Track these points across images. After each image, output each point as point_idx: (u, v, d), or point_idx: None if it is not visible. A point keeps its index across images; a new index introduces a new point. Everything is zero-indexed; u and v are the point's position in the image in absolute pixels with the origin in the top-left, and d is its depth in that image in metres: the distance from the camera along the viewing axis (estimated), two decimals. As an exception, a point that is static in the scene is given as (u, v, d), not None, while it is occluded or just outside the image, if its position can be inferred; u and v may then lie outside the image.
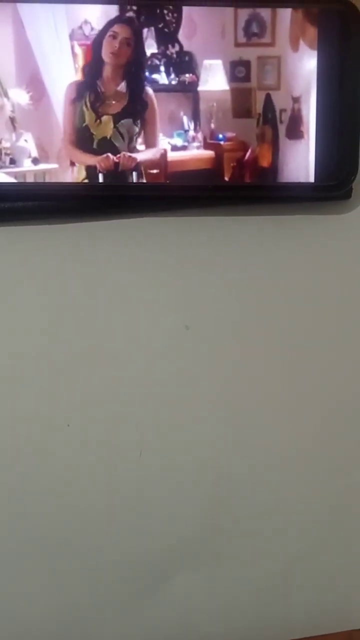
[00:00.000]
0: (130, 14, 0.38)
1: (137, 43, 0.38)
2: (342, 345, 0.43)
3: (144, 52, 0.39)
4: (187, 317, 0.42)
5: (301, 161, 0.40)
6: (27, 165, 0.39)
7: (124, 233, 0.41)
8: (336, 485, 0.44)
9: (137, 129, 0.39)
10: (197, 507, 0.43)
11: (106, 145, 0.39)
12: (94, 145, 0.39)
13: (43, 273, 0.41)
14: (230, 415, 0.42)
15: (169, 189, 0.40)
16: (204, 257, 0.42)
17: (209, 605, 0.44)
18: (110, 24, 0.38)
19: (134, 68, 0.39)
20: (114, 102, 0.39)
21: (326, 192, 0.41)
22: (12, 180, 0.39)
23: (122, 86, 0.39)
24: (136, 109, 0.39)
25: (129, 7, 0.38)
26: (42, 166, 0.39)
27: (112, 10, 0.38)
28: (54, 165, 0.39)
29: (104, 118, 0.39)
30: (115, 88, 0.39)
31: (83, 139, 0.39)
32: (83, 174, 0.39)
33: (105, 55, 0.38)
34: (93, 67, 0.38)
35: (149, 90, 0.39)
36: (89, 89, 0.39)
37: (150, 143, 0.39)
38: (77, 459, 0.41)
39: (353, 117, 0.40)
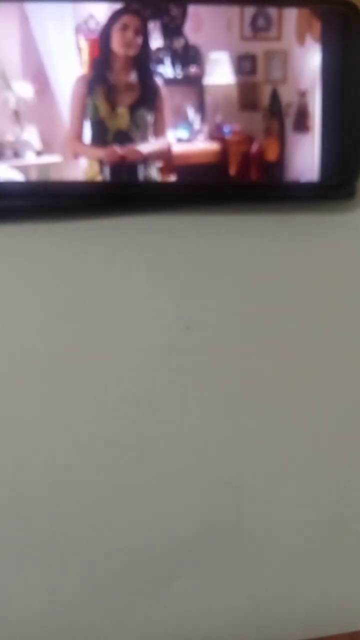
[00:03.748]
0: (137, 5, 0.38)
1: (146, 33, 0.38)
2: (346, 347, 0.43)
3: (152, 42, 0.39)
4: (188, 318, 0.42)
5: (306, 157, 0.40)
6: (30, 158, 0.39)
7: (125, 232, 0.41)
8: (337, 487, 0.44)
9: (151, 120, 0.39)
10: (197, 511, 0.43)
11: (122, 138, 0.39)
12: (110, 139, 0.39)
13: (43, 272, 0.40)
14: (231, 418, 0.42)
15: (170, 188, 0.40)
16: (205, 257, 0.42)
17: (210, 609, 0.44)
18: (118, 14, 0.38)
19: (143, 58, 0.39)
20: (127, 93, 0.39)
21: (330, 191, 0.41)
22: (15, 173, 0.39)
23: (133, 77, 0.39)
24: (149, 99, 0.39)
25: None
26: (46, 159, 0.39)
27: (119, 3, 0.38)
28: (58, 159, 0.39)
29: (120, 110, 0.39)
30: (127, 79, 0.39)
31: (97, 133, 0.39)
32: (86, 167, 0.39)
33: (117, 46, 0.38)
34: (103, 60, 0.38)
35: (158, 79, 0.39)
36: (100, 81, 0.39)
37: (159, 134, 0.40)
38: (77, 462, 0.41)
39: (357, 116, 0.40)
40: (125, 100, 0.39)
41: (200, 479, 0.42)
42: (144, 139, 0.39)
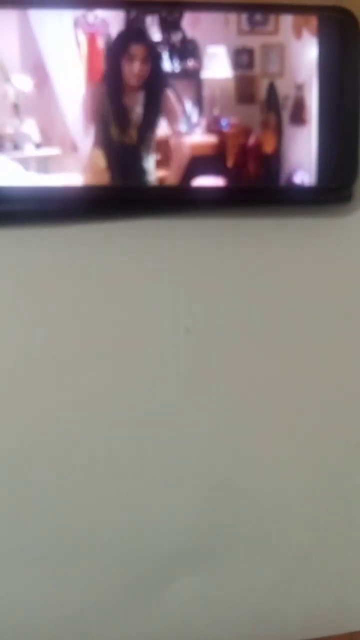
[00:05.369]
0: (138, 28, 0.38)
1: (156, 57, 0.39)
2: (344, 350, 0.43)
3: (163, 63, 0.39)
4: (187, 321, 0.42)
5: (303, 150, 0.40)
6: (30, 151, 0.39)
7: (123, 236, 0.41)
8: (336, 488, 0.44)
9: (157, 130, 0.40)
10: (197, 512, 0.42)
11: (127, 150, 0.40)
12: (114, 148, 0.40)
13: (43, 276, 0.41)
14: (230, 419, 0.42)
15: (166, 192, 0.40)
16: (204, 260, 0.42)
17: (210, 610, 0.44)
18: (124, 43, 0.38)
19: (154, 80, 0.39)
20: (137, 113, 0.39)
21: (327, 194, 0.41)
22: (15, 165, 0.39)
23: (142, 97, 0.39)
24: (157, 115, 0.40)
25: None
26: (45, 152, 0.39)
27: (123, 24, 0.38)
28: (58, 151, 0.39)
29: (130, 130, 0.40)
30: (137, 102, 0.39)
31: (101, 138, 0.39)
32: (86, 160, 0.39)
33: (127, 77, 0.39)
34: (112, 87, 0.39)
35: (170, 93, 0.40)
36: (111, 109, 0.39)
37: (172, 134, 0.40)
38: (77, 465, 0.41)
39: (354, 120, 0.40)
40: (135, 120, 0.39)
41: (199, 481, 0.42)
42: (149, 150, 0.40)
